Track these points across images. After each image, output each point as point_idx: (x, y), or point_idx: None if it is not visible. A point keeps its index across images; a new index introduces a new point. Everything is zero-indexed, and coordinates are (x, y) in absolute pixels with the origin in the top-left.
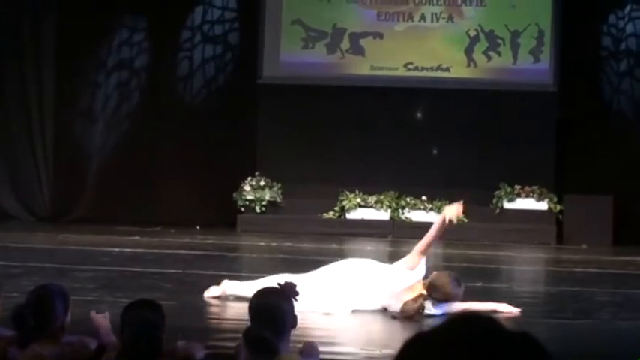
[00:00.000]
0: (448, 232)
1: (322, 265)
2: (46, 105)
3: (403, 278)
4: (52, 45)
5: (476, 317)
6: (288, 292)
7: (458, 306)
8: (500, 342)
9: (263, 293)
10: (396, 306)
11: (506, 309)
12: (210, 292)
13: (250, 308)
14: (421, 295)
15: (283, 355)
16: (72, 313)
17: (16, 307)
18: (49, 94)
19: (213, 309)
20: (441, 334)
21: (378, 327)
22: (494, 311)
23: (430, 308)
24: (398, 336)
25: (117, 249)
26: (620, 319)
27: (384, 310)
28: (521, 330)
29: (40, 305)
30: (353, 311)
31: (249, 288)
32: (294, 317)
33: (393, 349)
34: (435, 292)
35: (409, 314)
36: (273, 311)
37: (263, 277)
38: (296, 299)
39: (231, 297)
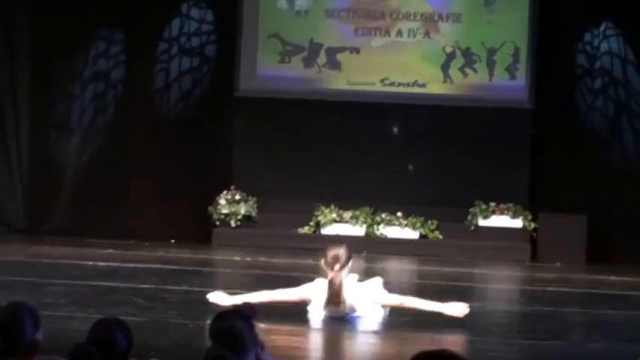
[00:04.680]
0: (422, 249)
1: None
2: (22, 116)
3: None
4: (28, 56)
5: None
6: (246, 312)
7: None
8: None
9: (221, 316)
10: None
11: (450, 311)
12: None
13: (210, 332)
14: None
15: None
16: (43, 331)
17: None
18: (25, 106)
19: (186, 326)
20: None
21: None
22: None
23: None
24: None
25: (90, 263)
26: (591, 341)
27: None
28: None
29: (8, 324)
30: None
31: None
32: (255, 336)
33: None
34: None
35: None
36: (233, 333)
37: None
38: (254, 318)
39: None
